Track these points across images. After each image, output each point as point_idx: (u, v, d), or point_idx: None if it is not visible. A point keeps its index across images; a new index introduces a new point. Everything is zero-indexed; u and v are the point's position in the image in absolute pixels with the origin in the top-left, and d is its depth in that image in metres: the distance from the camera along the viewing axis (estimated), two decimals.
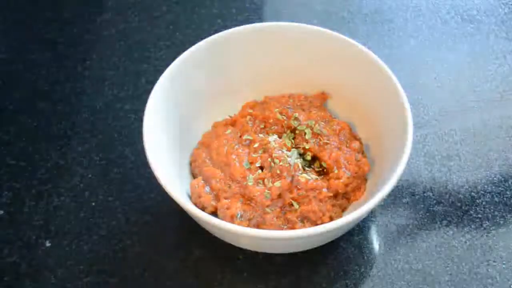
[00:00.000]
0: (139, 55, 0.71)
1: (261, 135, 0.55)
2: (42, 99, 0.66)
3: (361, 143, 0.56)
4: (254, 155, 0.53)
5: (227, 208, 0.50)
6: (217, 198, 0.52)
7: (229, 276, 0.52)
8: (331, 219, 0.51)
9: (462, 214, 0.56)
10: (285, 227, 0.50)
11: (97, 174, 0.59)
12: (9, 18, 0.76)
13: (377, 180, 0.51)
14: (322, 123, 0.56)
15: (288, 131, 0.56)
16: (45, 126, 0.64)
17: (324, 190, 0.51)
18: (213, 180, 0.52)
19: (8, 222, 0.56)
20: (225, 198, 0.51)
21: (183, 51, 0.55)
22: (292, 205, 0.50)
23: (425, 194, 0.57)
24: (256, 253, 0.53)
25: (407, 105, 0.50)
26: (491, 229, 0.54)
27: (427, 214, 0.55)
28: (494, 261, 0.52)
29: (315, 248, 0.51)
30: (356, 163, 0.53)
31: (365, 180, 0.54)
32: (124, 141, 0.62)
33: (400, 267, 0.52)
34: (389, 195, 0.56)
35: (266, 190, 0.50)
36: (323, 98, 0.60)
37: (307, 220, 0.50)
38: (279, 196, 0.50)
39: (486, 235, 0.54)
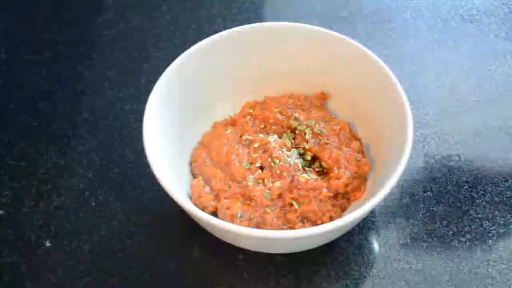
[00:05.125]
0: (139, 55, 0.71)
1: (261, 135, 0.55)
2: (42, 99, 0.66)
3: (361, 143, 0.56)
4: (254, 155, 0.53)
5: (227, 208, 0.50)
6: (217, 198, 0.52)
7: (229, 276, 0.52)
8: (331, 219, 0.51)
9: (462, 214, 0.56)
10: (285, 227, 0.50)
11: (97, 174, 0.59)
12: (9, 18, 0.76)
13: (377, 180, 0.51)
14: (322, 123, 0.56)
15: (288, 131, 0.56)
16: (45, 126, 0.64)
17: (324, 190, 0.51)
18: (213, 180, 0.52)
19: (8, 222, 0.56)
20: (225, 198, 0.51)
21: (183, 51, 0.55)
22: (292, 205, 0.50)
23: (425, 194, 0.57)
24: (256, 253, 0.53)
25: (407, 105, 0.50)
26: (491, 229, 0.54)
27: (427, 214, 0.55)
28: (494, 261, 0.52)
29: (315, 248, 0.51)
30: (356, 163, 0.53)
31: (365, 180, 0.54)
32: (124, 141, 0.62)
33: (400, 267, 0.52)
34: (390, 195, 0.56)
35: (266, 190, 0.50)
36: (323, 98, 0.60)
37: (307, 220, 0.50)
38: (279, 196, 0.50)
39: (486, 235, 0.54)
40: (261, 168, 0.52)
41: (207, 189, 0.52)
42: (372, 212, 0.56)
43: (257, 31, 0.58)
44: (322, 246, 0.51)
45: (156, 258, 0.53)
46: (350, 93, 0.58)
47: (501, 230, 0.54)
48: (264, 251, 0.52)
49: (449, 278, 0.51)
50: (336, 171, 0.52)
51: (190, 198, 0.53)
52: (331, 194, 0.51)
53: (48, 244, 0.54)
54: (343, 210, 0.53)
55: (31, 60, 0.70)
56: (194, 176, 0.55)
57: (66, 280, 0.52)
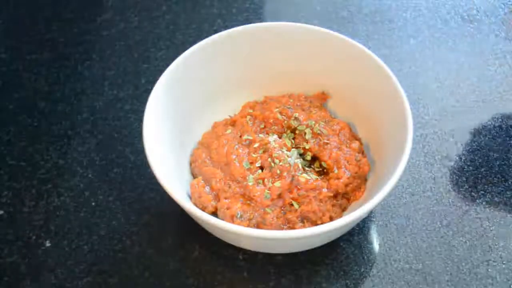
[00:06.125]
0: (139, 55, 0.71)
1: (261, 135, 0.55)
2: (42, 99, 0.66)
3: (361, 143, 0.56)
4: (254, 155, 0.53)
5: (227, 208, 0.50)
6: (217, 198, 0.52)
7: (229, 276, 0.52)
8: (331, 219, 0.51)
9: (462, 214, 0.56)
10: (285, 227, 0.50)
11: (97, 174, 0.59)
12: (9, 18, 0.76)
13: (377, 180, 0.51)
14: (322, 123, 0.55)
15: (288, 131, 0.56)
16: (45, 126, 0.64)
17: (324, 190, 0.51)
18: (213, 180, 0.52)
19: (8, 222, 0.56)
20: (225, 198, 0.51)
21: (183, 51, 0.55)
22: (292, 205, 0.50)
23: (425, 194, 0.57)
24: (256, 253, 0.53)
25: (407, 105, 0.50)
26: (491, 229, 0.54)
27: (428, 214, 0.55)
28: (494, 261, 0.52)
29: (315, 248, 0.51)
30: (356, 163, 0.53)
31: (365, 180, 0.54)
32: (124, 141, 0.62)
33: (400, 267, 0.52)
34: (389, 195, 0.56)
35: (266, 190, 0.50)
36: (323, 98, 0.60)
37: (307, 220, 0.50)
38: (279, 196, 0.50)
39: (486, 235, 0.54)
40: (261, 168, 0.52)
41: (207, 189, 0.52)
42: (372, 212, 0.56)
43: (257, 31, 0.58)
44: (322, 246, 0.51)
45: (156, 258, 0.53)
46: (350, 93, 0.58)
47: (501, 230, 0.54)
48: (264, 251, 0.52)
49: (449, 278, 0.51)
50: (336, 171, 0.52)
51: (190, 198, 0.53)
52: (331, 194, 0.51)
53: (48, 244, 0.54)
54: (343, 210, 0.53)
55: (31, 60, 0.70)
56: (194, 176, 0.55)
57: (66, 280, 0.52)
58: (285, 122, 0.56)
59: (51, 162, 0.60)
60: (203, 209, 0.51)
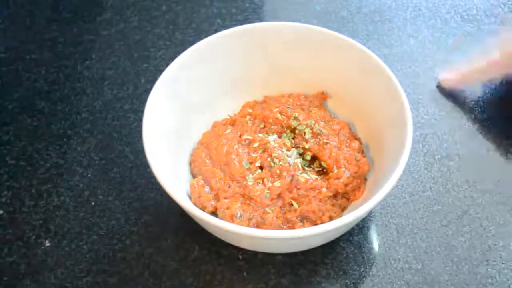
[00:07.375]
0: (139, 55, 0.71)
1: (260, 135, 0.55)
2: (42, 99, 0.66)
3: (360, 143, 0.56)
4: (253, 155, 0.53)
5: (227, 208, 0.50)
6: (216, 197, 0.52)
7: (229, 276, 0.52)
8: (331, 218, 0.51)
9: (462, 214, 0.56)
10: (285, 227, 0.50)
11: (96, 173, 0.59)
12: (9, 18, 0.76)
13: (377, 180, 0.51)
14: (322, 122, 0.56)
15: (288, 131, 0.56)
16: (45, 126, 0.64)
17: (324, 189, 0.51)
18: (213, 179, 0.52)
19: (8, 222, 0.56)
20: (225, 198, 0.51)
21: (183, 51, 0.55)
22: (291, 204, 0.50)
23: (425, 194, 0.57)
24: (256, 253, 0.53)
25: (407, 105, 0.50)
26: (490, 229, 0.54)
27: (427, 214, 0.55)
28: (493, 261, 0.52)
29: (315, 248, 0.51)
30: (355, 163, 0.53)
31: (365, 180, 0.54)
32: (124, 141, 0.62)
33: (400, 267, 0.52)
34: (389, 195, 0.56)
35: (266, 190, 0.50)
36: (323, 98, 0.60)
37: (306, 220, 0.50)
38: (279, 195, 0.50)
39: (486, 235, 0.54)
40: (261, 167, 0.52)
41: (206, 189, 0.52)
42: (371, 212, 0.56)
43: (256, 30, 0.58)
44: (322, 246, 0.51)
45: (155, 258, 0.53)
46: (350, 93, 0.58)
47: (500, 230, 0.54)
48: (264, 251, 0.52)
49: (449, 278, 0.51)
50: (335, 171, 0.52)
51: (190, 198, 0.53)
52: (331, 194, 0.51)
53: (47, 243, 0.54)
54: (342, 209, 0.53)
55: (31, 60, 0.70)
56: (194, 175, 0.55)
57: (65, 280, 0.52)
58: (285, 121, 0.56)
59: (50, 162, 0.60)
60: (203, 208, 0.51)
